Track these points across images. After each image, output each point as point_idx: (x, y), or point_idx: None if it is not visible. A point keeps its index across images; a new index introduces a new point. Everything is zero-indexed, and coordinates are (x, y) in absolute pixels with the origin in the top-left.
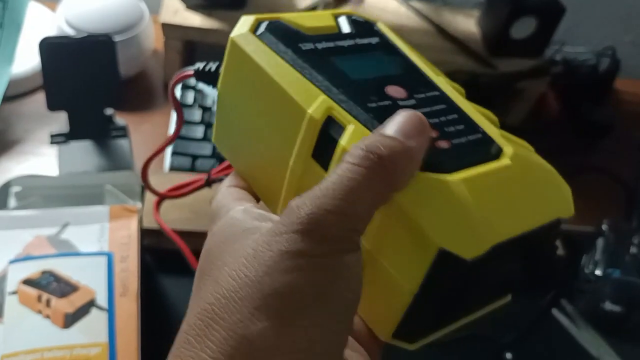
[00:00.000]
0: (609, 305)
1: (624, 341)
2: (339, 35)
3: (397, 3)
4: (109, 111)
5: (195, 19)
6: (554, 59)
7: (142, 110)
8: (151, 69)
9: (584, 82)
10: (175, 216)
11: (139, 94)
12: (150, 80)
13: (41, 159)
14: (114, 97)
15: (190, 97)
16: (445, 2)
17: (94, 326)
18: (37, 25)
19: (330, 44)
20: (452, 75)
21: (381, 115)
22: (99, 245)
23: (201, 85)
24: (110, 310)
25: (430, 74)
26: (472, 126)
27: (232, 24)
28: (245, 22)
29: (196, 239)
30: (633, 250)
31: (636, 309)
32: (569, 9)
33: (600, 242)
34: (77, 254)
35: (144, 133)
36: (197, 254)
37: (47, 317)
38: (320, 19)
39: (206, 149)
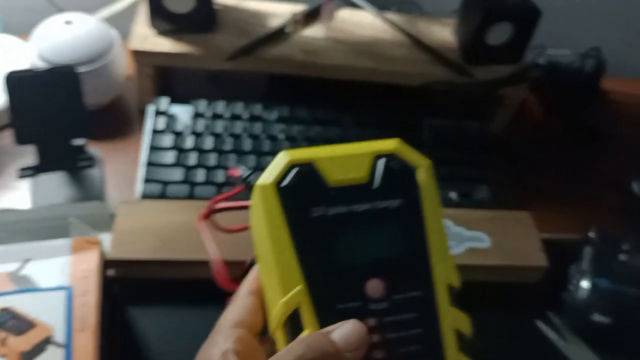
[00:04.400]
0: (598, 317)
1: (615, 354)
2: (363, 191)
3: (371, 16)
4: (78, 142)
5: (165, 44)
6: (537, 63)
7: (118, 137)
8: (127, 95)
9: (569, 85)
10: (143, 246)
11: (115, 121)
12: (126, 106)
13: (15, 192)
14: (83, 128)
15: (161, 122)
16: (421, 13)
17: None
18: (10, 58)
19: (344, 209)
20: (429, 86)
21: (344, 319)
22: (60, 279)
23: (173, 110)
24: (68, 347)
25: (434, 256)
26: (429, 349)
27: (202, 47)
28: (278, 164)
29: (167, 268)
30: (622, 257)
31: (627, 320)
32: (551, 12)
33: (587, 251)
34: (36, 289)
35: (119, 161)
36: (166, 283)
37: (4, 356)
38: (356, 164)
39: (177, 174)
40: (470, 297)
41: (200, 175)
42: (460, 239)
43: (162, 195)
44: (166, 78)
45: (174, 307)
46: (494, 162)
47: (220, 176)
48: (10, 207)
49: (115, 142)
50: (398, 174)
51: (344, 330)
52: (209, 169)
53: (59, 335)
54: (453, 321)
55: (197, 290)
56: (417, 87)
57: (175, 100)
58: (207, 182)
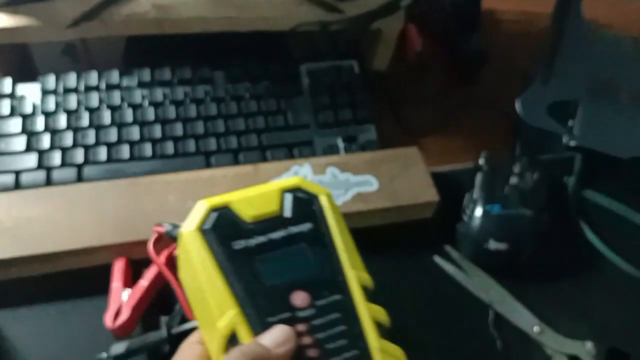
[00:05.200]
0: (493, 244)
1: (515, 279)
2: (276, 222)
3: None
4: None
5: None
6: None
7: None
8: None
9: (449, 10)
10: None
11: None
12: None
13: None
14: None
15: (5, 106)
16: None
17: None
18: None
19: (263, 239)
20: (300, 29)
21: None
22: None
23: (20, 91)
24: None
25: (346, 265)
26: (355, 341)
27: (41, 17)
28: (198, 211)
29: (27, 265)
30: (513, 180)
31: (522, 243)
32: None
33: (478, 178)
34: None
35: None
36: (30, 281)
37: None
38: (267, 200)
39: (30, 161)
40: (364, 244)
41: (56, 158)
42: (347, 185)
43: (17, 186)
44: (21, 56)
45: (42, 304)
46: (377, 101)
47: (79, 156)
48: None
49: None
50: (304, 202)
51: (271, 333)
52: (66, 149)
53: None
54: (371, 315)
55: (65, 283)
56: (288, 31)
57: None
58: (66, 165)
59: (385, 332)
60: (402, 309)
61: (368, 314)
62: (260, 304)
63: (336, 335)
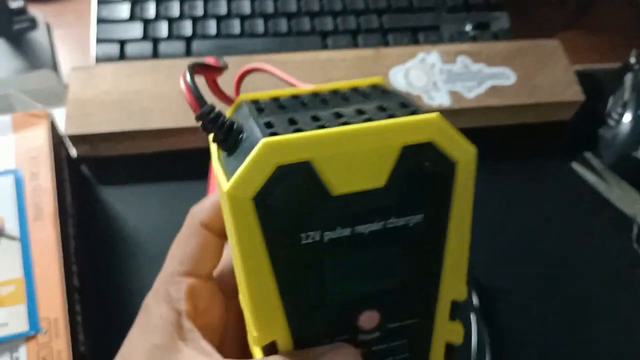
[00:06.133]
0: None
1: None
2: (374, 205)
3: None
4: (14, 3)
5: None
6: None
7: None
8: None
9: None
10: (103, 117)
11: None
12: None
13: None
14: None
15: None
16: None
17: (4, 260)
18: None
19: (346, 232)
20: None
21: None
22: (4, 163)
23: None
24: (24, 239)
25: (445, 278)
26: None
27: None
28: (258, 165)
29: (134, 140)
30: None
31: None
32: None
33: (628, 79)
34: None
35: (70, 23)
36: (137, 158)
37: None
38: (373, 163)
39: (136, 30)
40: (496, 143)
41: (162, 29)
42: (481, 77)
43: (122, 57)
44: None
45: (151, 183)
46: None
47: (188, 28)
48: None
49: (60, 3)
50: (429, 176)
51: (336, 354)
52: (173, 20)
53: (11, 226)
54: (445, 335)
55: (171, 162)
56: None
57: None
58: (173, 37)
59: (454, 352)
60: (537, 217)
61: (443, 334)
62: (316, 323)
63: None
